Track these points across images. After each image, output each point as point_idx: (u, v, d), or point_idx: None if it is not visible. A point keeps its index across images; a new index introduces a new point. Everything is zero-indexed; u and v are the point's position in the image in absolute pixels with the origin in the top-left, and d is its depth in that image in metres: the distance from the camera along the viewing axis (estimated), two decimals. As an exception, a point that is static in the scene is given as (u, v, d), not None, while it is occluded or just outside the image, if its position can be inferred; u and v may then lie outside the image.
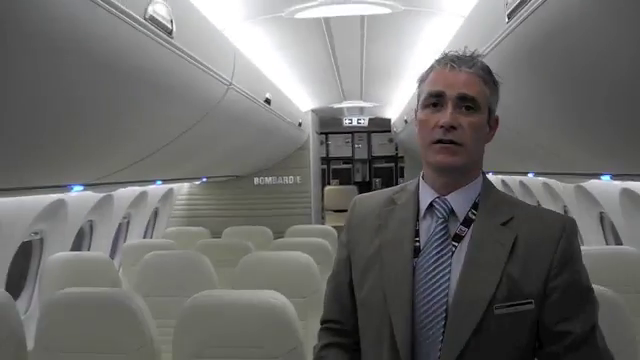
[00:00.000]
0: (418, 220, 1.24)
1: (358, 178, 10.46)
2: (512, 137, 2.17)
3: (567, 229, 1.18)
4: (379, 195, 1.34)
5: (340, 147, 10.27)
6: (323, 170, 8.92)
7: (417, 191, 1.27)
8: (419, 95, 1.24)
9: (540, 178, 3.82)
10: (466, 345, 1.12)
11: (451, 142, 1.15)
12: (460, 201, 1.21)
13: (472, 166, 1.21)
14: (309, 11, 2.20)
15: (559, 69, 1.38)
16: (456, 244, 1.19)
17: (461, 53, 1.21)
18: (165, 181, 4.10)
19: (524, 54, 1.45)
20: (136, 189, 4.55)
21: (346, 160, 10.43)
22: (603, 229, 3.60)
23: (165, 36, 1.44)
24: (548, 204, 4.53)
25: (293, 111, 4.73)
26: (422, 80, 1.24)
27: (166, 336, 2.18)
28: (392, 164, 10.49)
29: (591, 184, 3.14)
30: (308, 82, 4.27)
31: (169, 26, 1.43)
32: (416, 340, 1.17)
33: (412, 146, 5.71)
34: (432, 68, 1.23)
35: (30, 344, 2.27)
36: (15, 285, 3.42)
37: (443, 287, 1.16)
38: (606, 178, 2.12)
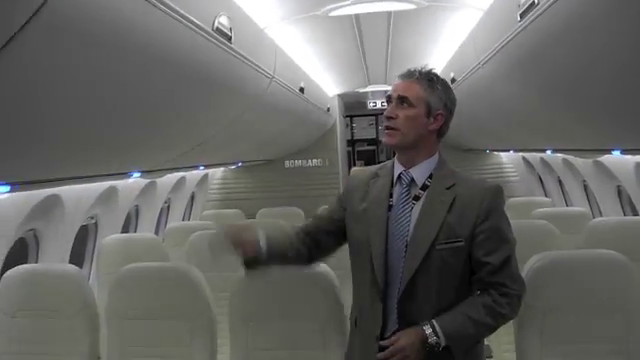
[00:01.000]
0: (393, 186, 1.72)
1: (383, 158, 10.55)
2: (527, 118, 2.36)
3: (491, 192, 1.66)
4: (368, 170, 1.83)
5: (365, 129, 10.39)
6: (348, 152, 9.08)
7: (392, 166, 1.75)
8: None
9: (559, 155, 3.99)
10: (418, 269, 1.61)
11: (390, 128, 1.66)
12: (419, 173, 1.70)
13: (412, 145, 1.67)
14: (342, 9, 2.41)
15: (567, 62, 1.59)
16: (415, 202, 1.68)
17: (413, 69, 1.68)
18: (207, 166, 4.35)
19: (535, 49, 1.65)
20: (176, 175, 4.82)
21: (370, 142, 10.57)
22: (621, 201, 3.77)
23: (226, 42, 1.68)
24: (568, 179, 4.69)
25: (322, 97, 4.94)
26: None
27: (218, 308, 2.40)
28: (415, 144, 10.52)
29: (608, 159, 3.30)
30: (336, 70, 4.46)
31: (229, 33, 1.67)
32: (388, 267, 1.65)
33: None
34: None
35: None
36: (75, 264, 3.74)
37: (404, 231, 1.66)
38: (617, 153, 2.32)
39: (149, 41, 1.38)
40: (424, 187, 1.69)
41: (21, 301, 2.48)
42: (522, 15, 1.58)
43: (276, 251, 1.80)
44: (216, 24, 1.55)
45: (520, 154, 5.70)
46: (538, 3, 1.43)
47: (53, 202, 3.00)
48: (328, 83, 5.06)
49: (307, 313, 2.23)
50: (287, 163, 6.47)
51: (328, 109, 5.43)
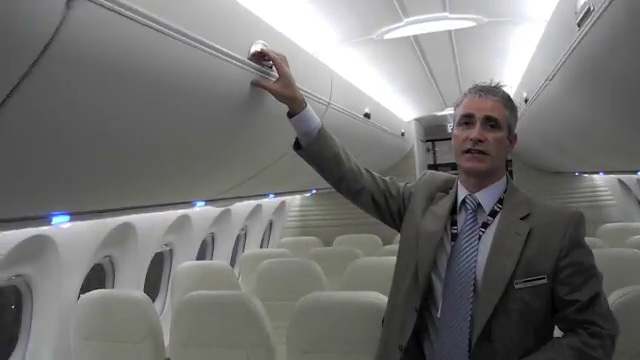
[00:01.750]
0: (456, 213, 1.59)
1: (468, 184, 10.17)
2: (606, 136, 2.16)
3: (573, 221, 1.48)
4: (442, 176, 1.73)
5: (446, 153, 10.09)
6: (431, 177, 8.87)
7: (456, 190, 1.62)
8: (454, 116, 1.59)
9: (655, 176, 3.64)
10: (495, 311, 1.43)
11: (479, 152, 1.50)
12: (486, 197, 1.56)
13: (495, 170, 1.55)
14: (397, 32, 2.35)
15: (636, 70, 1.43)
16: (483, 230, 1.53)
17: (487, 84, 1.55)
18: (277, 194, 4.38)
19: (597, 58, 1.50)
20: (251, 203, 4.90)
21: (454, 166, 10.23)
22: None
23: (267, 70, 1.67)
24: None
25: (394, 122, 4.84)
26: (457, 105, 1.59)
27: (281, 337, 2.37)
28: (502, 168, 10.11)
29: None
30: (407, 94, 4.37)
31: (269, 62, 1.65)
32: (446, 300, 1.51)
33: (520, 150, 5.59)
34: (465, 95, 1.57)
35: (166, 341, 2.55)
36: (151, 290, 3.89)
37: (470, 263, 1.50)
38: None
39: (193, 77, 1.39)
40: (493, 213, 1.54)
41: (93, 325, 2.60)
42: (580, 23, 1.44)
43: (328, 137, 1.70)
44: (251, 52, 1.54)
45: (614, 176, 5.29)
46: (594, 9, 1.29)
47: (126, 230, 3.13)
48: (402, 107, 4.97)
49: (365, 346, 2.14)
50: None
51: (402, 134, 5.32)
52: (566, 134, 2.84)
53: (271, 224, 5.92)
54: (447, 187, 1.66)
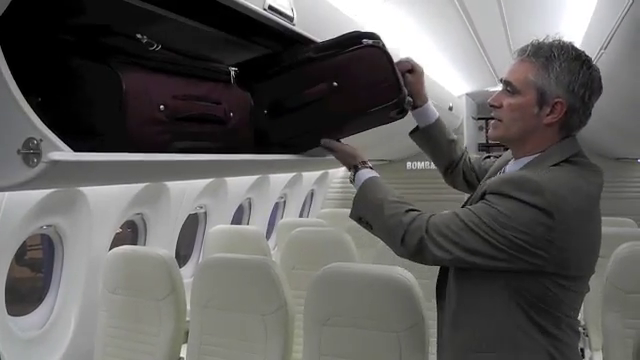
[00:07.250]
0: None
1: (522, 166, 9.78)
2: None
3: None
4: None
5: (501, 132, 9.68)
6: (482, 157, 8.54)
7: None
8: None
9: None
10: None
11: (495, 119, 1.41)
12: (511, 170, 1.44)
13: (523, 140, 1.39)
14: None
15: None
16: None
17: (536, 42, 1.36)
18: (313, 163, 4.30)
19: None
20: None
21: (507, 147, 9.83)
22: None
23: (287, 22, 1.56)
24: None
25: (441, 94, 4.61)
26: None
27: (299, 306, 2.32)
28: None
29: None
30: (455, 64, 4.14)
31: (290, 13, 1.55)
32: None
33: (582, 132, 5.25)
34: None
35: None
36: (185, 250, 3.96)
37: None
38: None
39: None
40: None
41: (120, 279, 2.65)
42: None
43: (444, 127, 1.75)
44: (269, 2, 1.43)
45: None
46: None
47: (158, 188, 3.14)
48: (451, 79, 4.71)
49: (384, 322, 2.06)
50: (409, 165, 6.19)
51: (450, 108, 5.07)
52: (622, 111, 2.60)
53: (312, 194, 5.87)
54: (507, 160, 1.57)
